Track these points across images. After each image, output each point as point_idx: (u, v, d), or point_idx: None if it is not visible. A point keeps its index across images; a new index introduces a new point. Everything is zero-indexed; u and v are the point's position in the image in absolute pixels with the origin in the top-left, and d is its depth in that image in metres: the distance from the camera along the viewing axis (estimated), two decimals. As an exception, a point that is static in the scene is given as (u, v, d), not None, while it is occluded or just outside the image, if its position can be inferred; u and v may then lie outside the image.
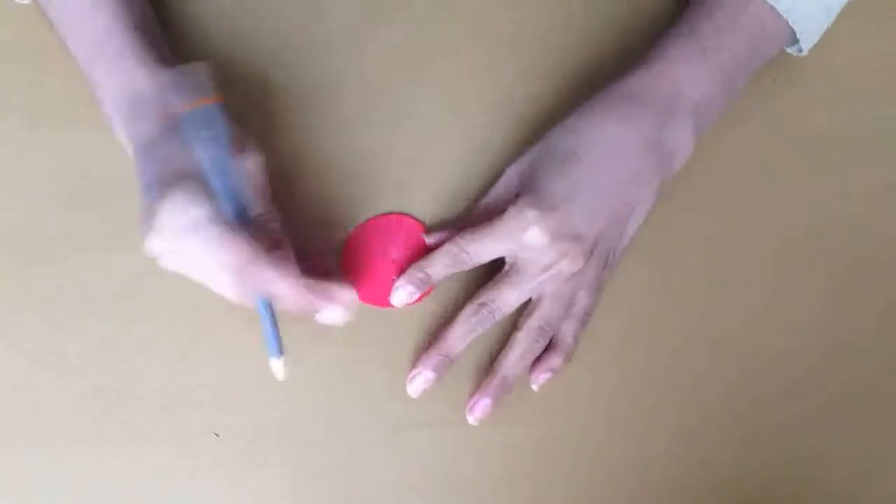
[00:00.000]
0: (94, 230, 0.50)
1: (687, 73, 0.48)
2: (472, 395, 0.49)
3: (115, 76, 0.47)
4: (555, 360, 0.49)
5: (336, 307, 0.45)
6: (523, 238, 0.46)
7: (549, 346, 0.49)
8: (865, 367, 0.51)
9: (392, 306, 0.48)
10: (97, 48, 0.47)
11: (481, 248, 0.47)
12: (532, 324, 0.48)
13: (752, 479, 0.50)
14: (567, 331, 0.49)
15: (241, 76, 0.52)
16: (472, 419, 0.48)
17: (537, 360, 0.49)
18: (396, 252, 0.50)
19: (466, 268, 0.48)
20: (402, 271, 0.49)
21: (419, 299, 0.48)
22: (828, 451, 0.50)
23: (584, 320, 0.49)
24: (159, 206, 0.42)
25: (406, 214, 0.51)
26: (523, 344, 0.48)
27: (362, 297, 0.50)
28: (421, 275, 0.48)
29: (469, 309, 0.48)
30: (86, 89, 0.50)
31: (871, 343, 0.51)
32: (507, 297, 0.47)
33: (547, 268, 0.46)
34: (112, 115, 0.47)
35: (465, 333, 0.48)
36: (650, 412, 0.50)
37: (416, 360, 0.49)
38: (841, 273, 0.52)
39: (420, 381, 0.48)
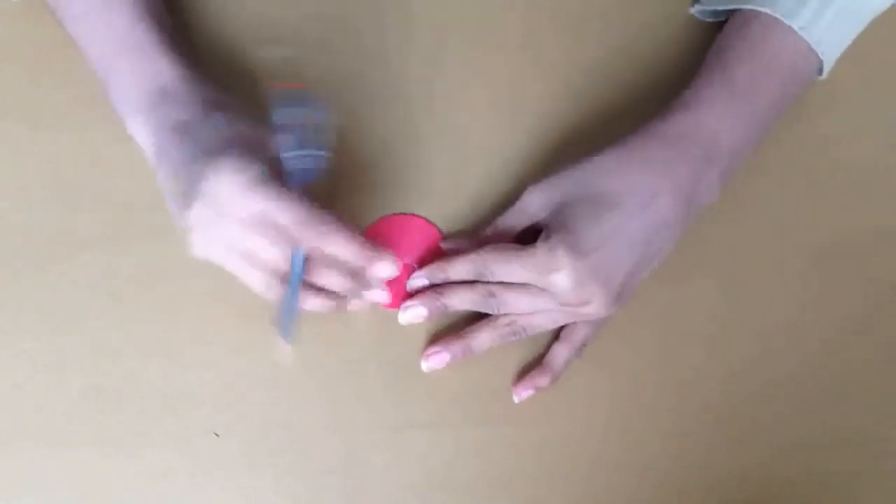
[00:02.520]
0: (94, 230, 0.50)
1: (723, 122, 0.47)
2: (432, 344, 0.49)
3: (139, 71, 0.47)
4: (541, 379, 0.49)
5: (384, 268, 0.44)
6: (550, 277, 0.45)
7: (540, 365, 0.50)
8: (863, 364, 0.51)
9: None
10: (115, 45, 0.48)
11: (505, 270, 0.47)
12: (519, 321, 0.48)
13: (751, 477, 0.50)
14: (560, 354, 0.49)
15: (248, 79, 0.52)
16: (425, 366, 0.49)
17: (524, 375, 0.49)
18: (409, 254, 0.50)
19: (482, 280, 0.48)
20: (412, 272, 0.49)
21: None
22: (827, 448, 0.50)
23: (580, 350, 0.50)
24: (210, 170, 0.42)
25: (418, 216, 0.51)
26: (500, 331, 0.48)
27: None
28: (442, 274, 0.48)
29: (481, 289, 0.48)
30: (85, 89, 0.50)
31: (868, 339, 0.52)
32: (519, 303, 0.48)
33: (566, 305, 0.46)
34: (128, 110, 0.47)
35: (468, 302, 0.48)
36: (649, 412, 0.50)
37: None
38: (830, 264, 0.52)
39: (410, 314, 0.48)
